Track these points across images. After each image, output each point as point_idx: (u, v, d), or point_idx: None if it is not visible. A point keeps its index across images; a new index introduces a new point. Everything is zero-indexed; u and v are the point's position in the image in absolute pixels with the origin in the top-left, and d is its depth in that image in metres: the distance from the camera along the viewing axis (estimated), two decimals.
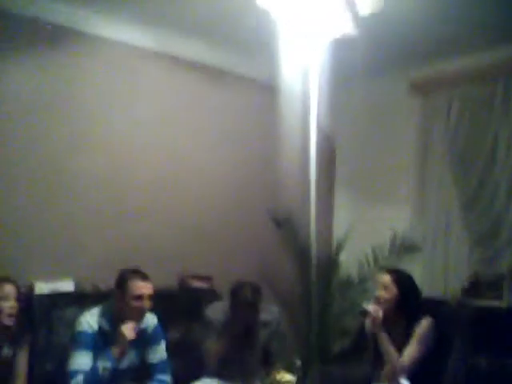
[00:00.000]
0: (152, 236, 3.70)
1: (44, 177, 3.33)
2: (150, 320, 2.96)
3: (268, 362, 3.28)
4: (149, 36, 3.69)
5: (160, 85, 3.82)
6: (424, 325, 3.04)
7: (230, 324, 3.21)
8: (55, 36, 3.35)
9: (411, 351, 2.98)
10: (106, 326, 2.78)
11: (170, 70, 3.86)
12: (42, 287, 3.15)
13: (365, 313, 3.03)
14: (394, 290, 3.09)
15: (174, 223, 3.83)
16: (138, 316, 2.81)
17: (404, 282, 3.16)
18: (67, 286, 3.26)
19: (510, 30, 3.40)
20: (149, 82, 3.77)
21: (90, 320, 2.77)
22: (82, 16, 3.42)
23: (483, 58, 3.72)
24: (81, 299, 3.10)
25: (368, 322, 3.07)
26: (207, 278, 3.69)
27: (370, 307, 3.03)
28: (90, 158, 3.50)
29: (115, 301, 2.83)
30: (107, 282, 3.27)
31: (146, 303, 2.81)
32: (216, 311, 3.28)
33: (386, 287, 3.10)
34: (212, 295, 3.51)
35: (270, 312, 3.33)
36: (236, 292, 3.18)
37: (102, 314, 2.81)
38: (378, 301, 3.09)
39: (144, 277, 2.84)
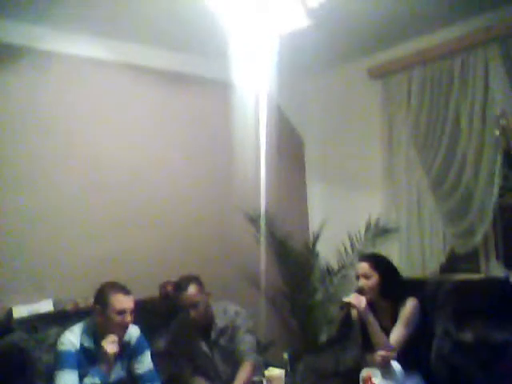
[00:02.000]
0: (129, 248, 3.67)
1: (18, 197, 3.27)
2: (133, 331, 2.93)
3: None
4: (102, 47, 3.65)
5: (121, 94, 3.78)
6: (409, 306, 3.08)
7: (182, 325, 3.21)
8: (8, 55, 3.30)
9: (397, 334, 3.01)
10: (88, 343, 2.76)
11: (126, 78, 3.80)
12: (20, 310, 3.09)
13: (347, 305, 3.04)
14: (375, 276, 3.12)
15: (150, 232, 3.80)
16: (121, 330, 2.79)
17: (383, 265, 3.20)
18: (46, 306, 3.21)
19: (464, 7, 3.44)
20: (107, 92, 3.72)
21: (72, 338, 2.73)
22: (35, 33, 3.36)
23: (438, 36, 3.76)
24: (61, 318, 3.05)
25: (354, 312, 3.08)
26: None
27: (351, 297, 3.05)
28: (62, 176, 3.46)
29: (96, 317, 2.80)
30: (87, 298, 3.26)
31: (128, 317, 2.78)
32: (180, 323, 3.26)
33: (366, 275, 3.12)
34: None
35: (225, 313, 3.21)
36: (175, 292, 3.17)
37: (84, 332, 2.78)
38: (361, 291, 3.10)
39: (125, 291, 2.81)
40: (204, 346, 3.17)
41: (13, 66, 3.31)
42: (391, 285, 3.15)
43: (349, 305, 3.02)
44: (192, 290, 3.06)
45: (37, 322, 3.00)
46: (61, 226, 3.42)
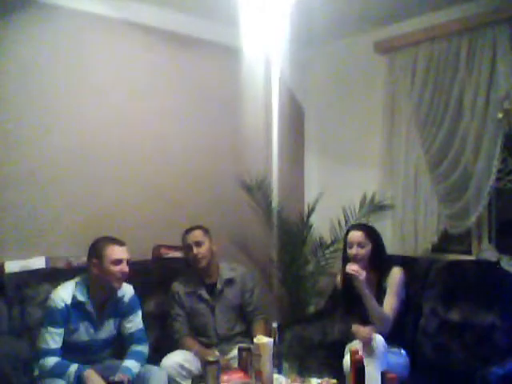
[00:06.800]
0: (123, 208, 3.65)
1: (11, 153, 3.23)
2: (127, 289, 2.98)
3: (246, 323, 3.40)
4: (109, 4, 3.57)
5: (122, 52, 3.72)
6: (396, 274, 3.15)
7: (189, 273, 3.35)
8: (9, 7, 3.20)
9: (390, 302, 3.06)
10: (81, 297, 2.79)
11: (131, 38, 3.74)
12: (13, 265, 3.09)
13: (350, 275, 3.07)
14: (368, 245, 3.17)
15: (145, 194, 3.78)
16: (119, 281, 2.84)
17: (375, 235, 3.27)
18: (38, 262, 3.20)
19: None
20: (111, 51, 3.65)
21: (63, 294, 2.76)
22: None
23: (446, 14, 3.71)
24: (53, 275, 3.06)
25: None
26: (180, 248, 3.68)
27: (354, 267, 3.07)
28: (57, 131, 3.40)
29: (92, 270, 2.83)
30: (79, 257, 3.27)
31: (126, 267, 2.83)
32: (180, 282, 3.34)
33: (361, 244, 3.17)
34: (186, 265, 3.50)
35: (233, 270, 3.42)
36: (183, 234, 3.35)
37: (78, 286, 2.81)
38: (356, 258, 3.14)
39: (120, 242, 2.87)
40: (206, 295, 3.29)
41: (13, 18, 3.22)
42: (381, 255, 3.22)
43: (351, 275, 3.05)
44: (198, 231, 3.34)
45: (28, 278, 3.00)
46: (55, 184, 3.39)
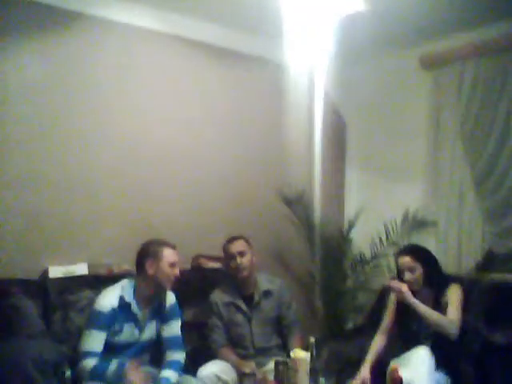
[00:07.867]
0: (164, 218, 3.70)
1: (57, 162, 3.31)
2: (170, 296, 3.03)
3: (283, 336, 3.37)
4: (155, 17, 3.66)
5: (168, 65, 3.79)
6: (456, 291, 3.07)
7: (226, 283, 3.35)
8: (59, 20, 3.31)
9: (454, 312, 2.98)
10: (128, 299, 2.83)
11: (177, 51, 3.81)
12: (56, 271, 3.16)
13: (390, 289, 3.10)
14: (419, 268, 3.10)
15: (186, 204, 3.83)
16: (171, 282, 2.91)
17: (424, 256, 3.19)
18: (81, 269, 3.27)
19: None
20: (157, 64, 3.73)
21: (110, 297, 2.80)
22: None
23: (494, 30, 3.66)
24: (95, 282, 3.11)
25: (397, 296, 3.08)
26: (219, 259, 3.69)
27: (393, 282, 3.07)
28: (102, 141, 3.49)
29: (146, 271, 2.86)
30: (120, 265, 3.32)
31: (178, 270, 2.91)
32: (219, 292, 3.34)
33: (411, 269, 3.10)
34: (224, 276, 3.51)
35: (271, 282, 3.40)
36: (225, 244, 3.36)
37: (125, 288, 2.86)
38: (408, 283, 3.08)
39: (173, 245, 2.95)
40: (243, 306, 3.29)
41: (63, 30, 3.32)
42: (434, 274, 3.14)
43: (391, 288, 3.07)
44: (241, 241, 3.35)
45: (70, 284, 3.07)
46: (98, 193, 3.47)
